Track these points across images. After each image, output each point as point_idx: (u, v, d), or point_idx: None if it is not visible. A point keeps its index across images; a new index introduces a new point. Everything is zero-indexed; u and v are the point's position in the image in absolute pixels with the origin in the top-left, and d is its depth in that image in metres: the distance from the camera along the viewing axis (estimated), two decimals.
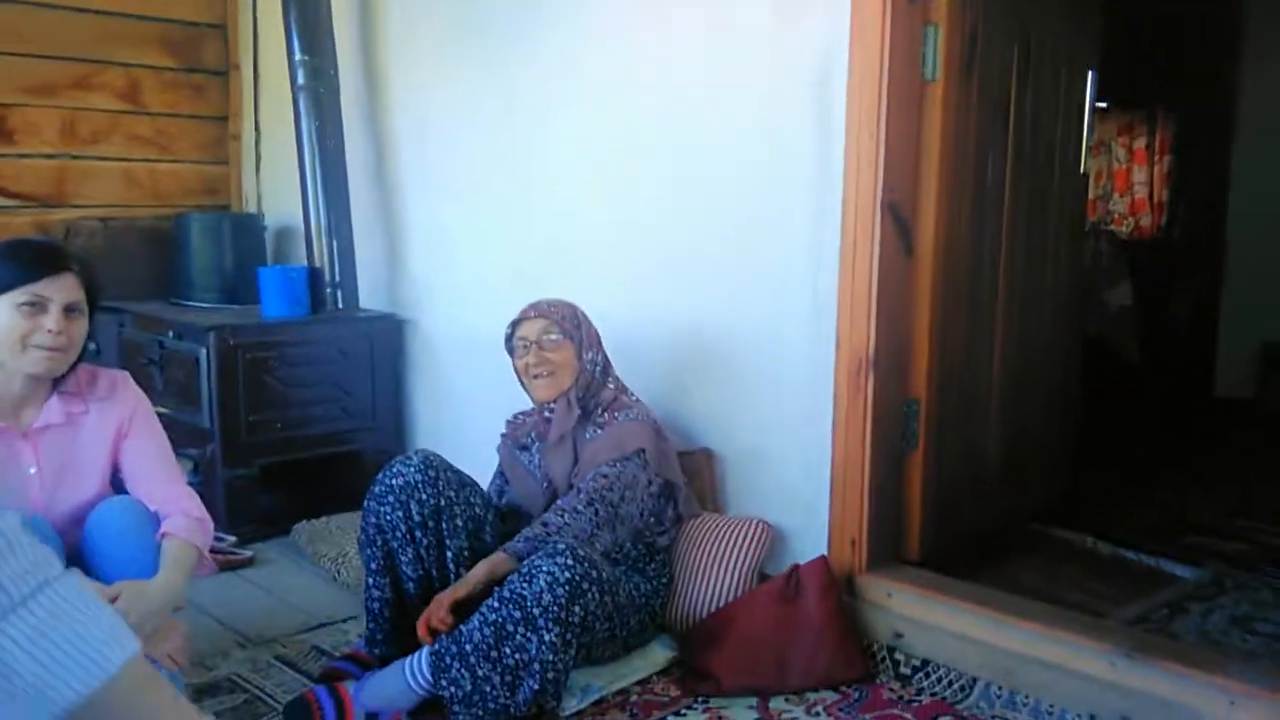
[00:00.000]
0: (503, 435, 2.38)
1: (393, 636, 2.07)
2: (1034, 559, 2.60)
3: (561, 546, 1.90)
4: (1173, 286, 4.17)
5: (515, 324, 2.27)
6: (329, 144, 3.29)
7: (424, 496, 2.06)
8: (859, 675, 2.13)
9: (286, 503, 3.09)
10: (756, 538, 2.33)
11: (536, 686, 1.83)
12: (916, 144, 2.25)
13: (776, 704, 2.05)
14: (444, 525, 2.07)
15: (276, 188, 3.82)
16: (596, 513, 2.09)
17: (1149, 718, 1.83)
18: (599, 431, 2.22)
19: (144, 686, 0.70)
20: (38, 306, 1.80)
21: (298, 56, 3.26)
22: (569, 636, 1.84)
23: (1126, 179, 4.34)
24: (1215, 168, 4.46)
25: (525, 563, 1.91)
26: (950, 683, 2.08)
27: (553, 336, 2.22)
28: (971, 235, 2.42)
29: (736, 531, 2.33)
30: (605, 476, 2.12)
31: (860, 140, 2.19)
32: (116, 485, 2.01)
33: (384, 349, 3.30)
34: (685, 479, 2.36)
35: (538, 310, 2.25)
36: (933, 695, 2.08)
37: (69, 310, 1.83)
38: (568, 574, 1.84)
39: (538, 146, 2.92)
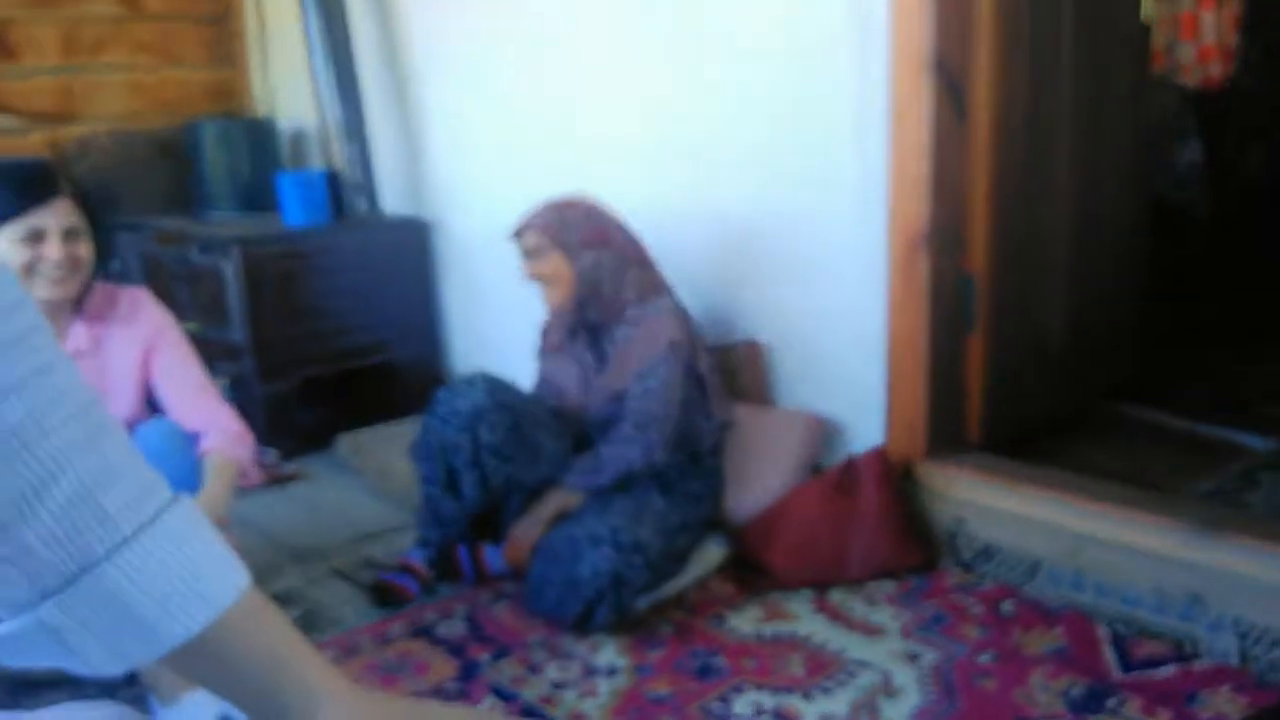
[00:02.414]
0: (540, 339, 2.34)
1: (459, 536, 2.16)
2: (1102, 437, 2.54)
3: (604, 533, 1.91)
4: (1246, 139, 3.94)
5: (516, 236, 2.20)
6: (337, 38, 3.14)
7: (495, 419, 2.04)
8: (919, 563, 2.10)
9: (326, 416, 3.06)
10: (806, 430, 2.28)
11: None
12: None
13: (835, 595, 2.03)
14: (524, 444, 2.08)
15: (288, 88, 3.68)
16: (648, 437, 2.07)
17: (1219, 592, 1.79)
18: (630, 331, 2.15)
19: (255, 621, 0.69)
20: (37, 237, 1.77)
21: None
22: (620, 605, 1.92)
23: (1194, 25, 4.05)
24: None
25: (569, 540, 1.94)
26: (1013, 566, 2.04)
27: (541, 249, 2.15)
28: (1028, 96, 2.26)
29: (785, 425, 2.29)
30: (649, 391, 2.08)
31: None
32: (153, 406, 2.00)
33: (412, 253, 3.22)
34: (717, 377, 2.30)
35: (529, 221, 2.17)
36: (995, 579, 2.05)
37: (68, 235, 1.80)
38: (608, 564, 1.88)
39: (562, 25, 2.75)
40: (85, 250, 1.84)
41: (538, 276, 2.18)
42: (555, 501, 2.09)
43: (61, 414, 0.61)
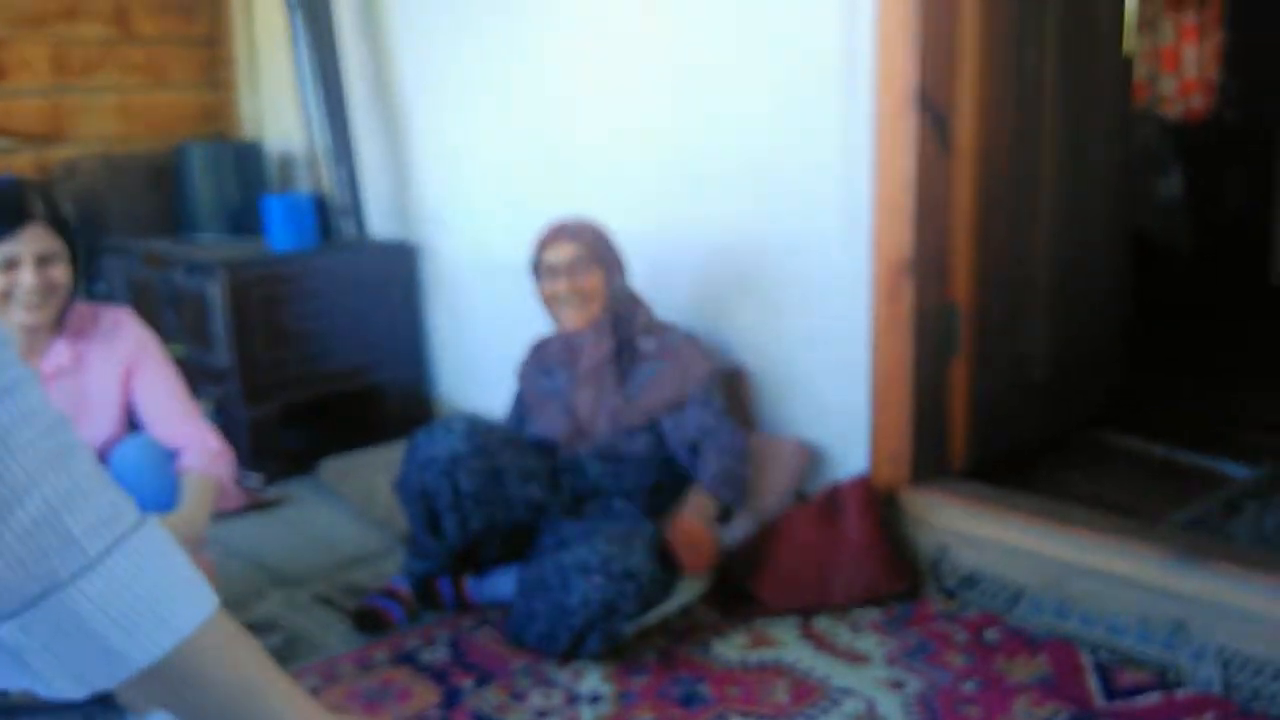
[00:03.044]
0: (524, 363, 2.30)
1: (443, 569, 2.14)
2: (1084, 464, 2.55)
3: (594, 561, 1.87)
4: (1227, 171, 4.00)
5: (541, 247, 2.13)
6: (326, 62, 3.15)
7: (474, 465, 2.01)
8: (903, 590, 2.10)
9: (310, 440, 3.06)
10: (791, 458, 2.28)
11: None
12: (950, 30, 2.11)
13: (820, 623, 2.03)
14: (502, 490, 2.04)
15: (276, 112, 3.69)
16: (744, 453, 2.10)
17: (1203, 621, 1.79)
18: (653, 367, 2.11)
19: (222, 648, 0.68)
20: (10, 264, 1.76)
21: None
22: (611, 633, 1.90)
23: (1176, 58, 4.11)
24: (1270, 42, 4.21)
25: (557, 568, 1.91)
26: (997, 594, 2.05)
27: (583, 262, 2.09)
28: (1012, 127, 2.29)
29: (772, 452, 2.28)
30: (720, 417, 2.10)
31: (890, 29, 2.05)
32: (134, 425, 2.00)
33: (398, 277, 3.22)
34: None
35: (565, 232, 2.11)
36: (979, 608, 2.05)
37: (42, 260, 1.78)
38: (599, 594, 1.85)
39: (548, 52, 2.78)
40: (61, 274, 1.82)
41: (574, 291, 2.09)
42: (707, 505, 2.07)
43: (29, 434, 0.60)
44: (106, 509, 0.64)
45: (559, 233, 2.11)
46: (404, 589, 2.11)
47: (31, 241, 1.76)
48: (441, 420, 2.09)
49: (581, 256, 2.09)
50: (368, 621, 2.06)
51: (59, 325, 1.89)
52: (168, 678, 0.65)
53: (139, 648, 0.63)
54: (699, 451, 2.10)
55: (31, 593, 0.60)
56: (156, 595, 0.64)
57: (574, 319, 2.11)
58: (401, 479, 2.08)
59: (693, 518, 2.03)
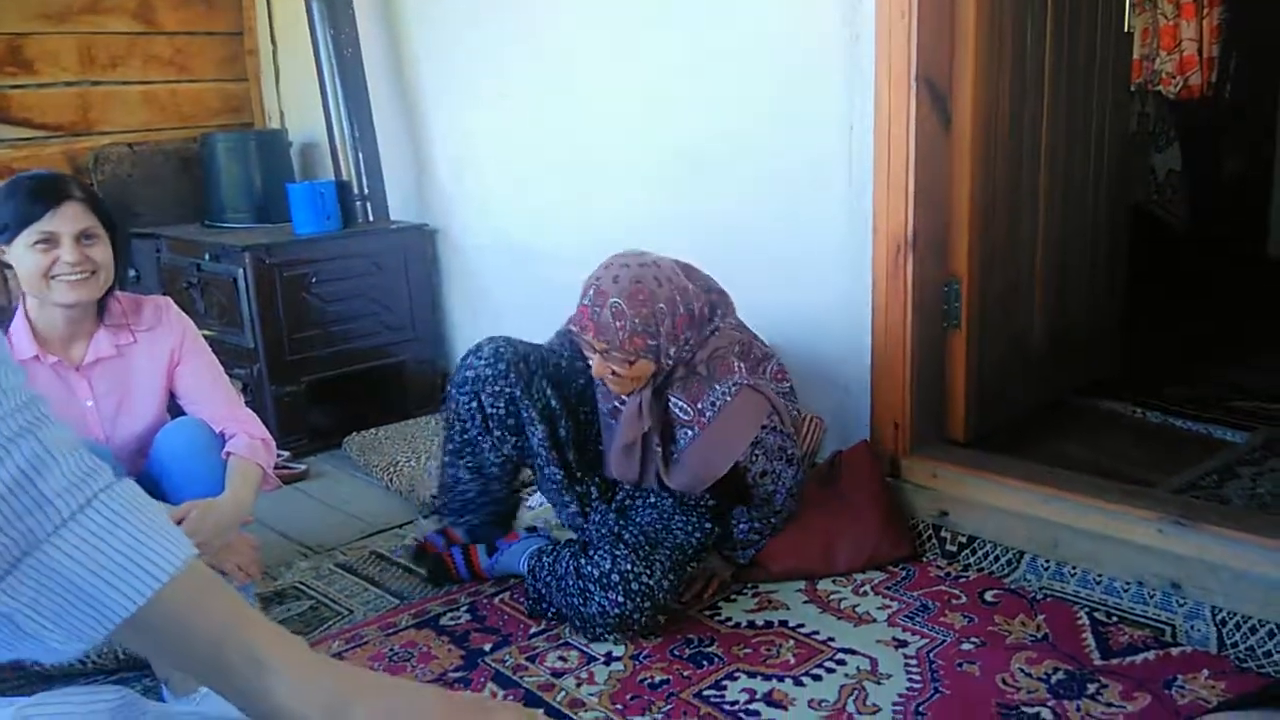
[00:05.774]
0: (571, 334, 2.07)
1: (470, 507, 2.19)
2: (1082, 432, 2.58)
3: (615, 578, 1.86)
4: (1224, 147, 3.98)
5: (582, 345, 1.95)
6: (346, 52, 3.23)
7: (496, 389, 2.02)
8: (905, 555, 2.15)
9: (335, 416, 3.15)
10: (811, 431, 2.31)
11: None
12: (950, 10, 2.15)
13: (825, 586, 2.08)
14: (523, 414, 2.04)
15: (298, 101, 3.77)
16: (792, 500, 2.07)
17: (1197, 581, 1.84)
18: (684, 435, 1.96)
19: (200, 594, 0.70)
20: (50, 242, 1.78)
21: None
22: (624, 637, 1.93)
23: (1174, 35, 4.08)
24: (1270, 17, 4.19)
25: (577, 576, 1.92)
26: (997, 557, 2.10)
27: (623, 361, 1.90)
28: (1011, 105, 2.33)
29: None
30: (771, 473, 2.00)
31: (891, 9, 2.09)
32: (174, 410, 2.02)
33: (418, 260, 3.30)
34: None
35: (602, 332, 1.88)
36: (979, 570, 2.10)
37: (82, 238, 1.80)
38: (616, 610, 1.87)
39: (555, 42, 2.84)
40: (101, 254, 1.83)
41: (616, 378, 1.94)
42: (725, 570, 2.10)
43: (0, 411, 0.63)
44: (78, 471, 0.66)
45: (593, 331, 1.89)
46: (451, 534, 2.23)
47: (69, 220, 1.77)
48: (476, 344, 2.09)
49: (624, 356, 1.89)
50: (430, 565, 2.18)
51: (100, 316, 1.91)
52: (151, 625, 0.67)
53: (122, 595, 0.65)
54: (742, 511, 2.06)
55: (12, 555, 0.63)
56: (134, 545, 0.66)
57: (616, 389, 1.99)
58: (444, 407, 2.14)
59: (701, 582, 2.08)
